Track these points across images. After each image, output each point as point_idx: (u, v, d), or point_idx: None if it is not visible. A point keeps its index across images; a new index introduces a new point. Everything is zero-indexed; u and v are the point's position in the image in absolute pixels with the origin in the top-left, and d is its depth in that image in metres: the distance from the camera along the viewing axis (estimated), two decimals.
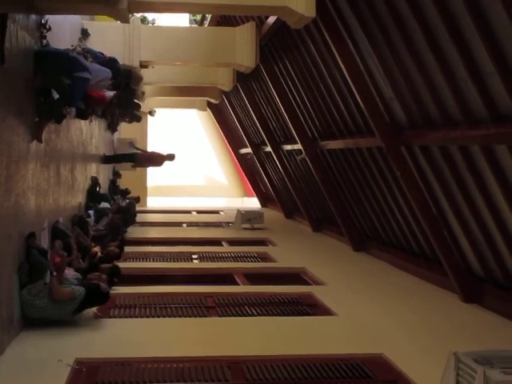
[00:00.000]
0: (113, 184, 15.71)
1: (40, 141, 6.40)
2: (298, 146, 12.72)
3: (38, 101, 6.30)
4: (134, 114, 14.32)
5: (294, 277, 9.10)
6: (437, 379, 4.28)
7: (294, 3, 7.75)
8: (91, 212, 10.24)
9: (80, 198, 9.93)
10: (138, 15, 16.64)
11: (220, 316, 6.85)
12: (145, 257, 10.34)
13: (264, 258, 10.62)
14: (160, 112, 21.36)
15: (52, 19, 6.82)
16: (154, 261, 10.16)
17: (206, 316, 6.83)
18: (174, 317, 6.74)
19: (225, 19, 14.15)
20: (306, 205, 14.68)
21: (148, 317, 6.69)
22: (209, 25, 15.42)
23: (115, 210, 11.69)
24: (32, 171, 6.16)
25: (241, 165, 22.20)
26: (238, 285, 8.56)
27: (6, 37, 4.87)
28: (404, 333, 6.19)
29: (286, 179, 15.34)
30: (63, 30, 8.23)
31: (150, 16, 25.90)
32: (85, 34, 10.46)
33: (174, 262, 10.13)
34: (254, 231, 13.85)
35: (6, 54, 4.92)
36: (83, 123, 9.86)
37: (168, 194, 23.12)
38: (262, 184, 20.35)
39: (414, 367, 5.10)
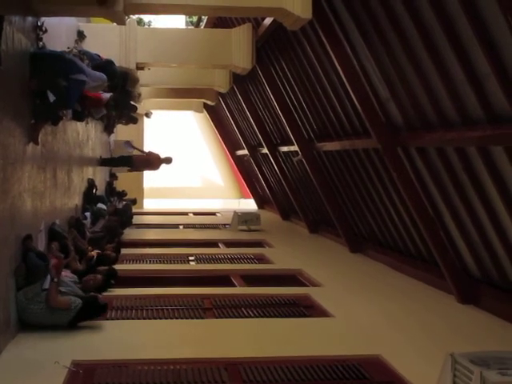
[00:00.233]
0: (109, 186, 15.69)
1: (36, 143, 6.39)
2: (295, 148, 12.71)
3: (35, 103, 6.29)
4: (131, 116, 14.29)
5: (291, 278, 9.10)
6: (433, 380, 4.29)
7: (291, 5, 7.78)
8: (88, 214, 10.22)
9: (76, 200, 9.91)
10: (134, 17, 16.65)
11: (217, 317, 6.85)
12: (141, 259, 10.33)
13: (261, 259, 10.62)
14: (156, 114, 21.36)
15: (48, 21, 6.82)
16: (150, 263, 10.14)
17: (202, 318, 6.83)
18: (171, 318, 6.73)
19: (221, 21, 14.12)
20: (303, 206, 14.67)
21: (145, 319, 6.68)
22: (205, 27, 15.42)
23: (112, 212, 11.68)
24: (28, 173, 6.15)
25: (237, 166, 22.16)
26: (235, 286, 8.56)
27: (2, 39, 4.86)
28: (401, 334, 6.19)
29: (283, 181, 15.32)
30: (59, 31, 8.22)
31: (146, 18, 25.97)
32: (81, 35, 10.47)
33: (171, 263, 10.13)
34: (250, 233, 13.82)
35: (2, 55, 4.90)
36: (80, 125, 9.85)
37: (165, 196, 23.06)
38: (259, 186, 20.33)
39: (410, 368, 5.09)
